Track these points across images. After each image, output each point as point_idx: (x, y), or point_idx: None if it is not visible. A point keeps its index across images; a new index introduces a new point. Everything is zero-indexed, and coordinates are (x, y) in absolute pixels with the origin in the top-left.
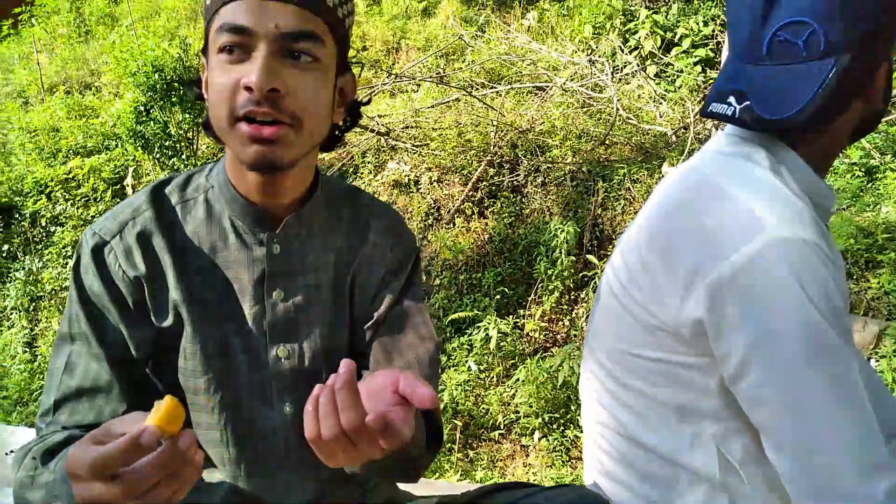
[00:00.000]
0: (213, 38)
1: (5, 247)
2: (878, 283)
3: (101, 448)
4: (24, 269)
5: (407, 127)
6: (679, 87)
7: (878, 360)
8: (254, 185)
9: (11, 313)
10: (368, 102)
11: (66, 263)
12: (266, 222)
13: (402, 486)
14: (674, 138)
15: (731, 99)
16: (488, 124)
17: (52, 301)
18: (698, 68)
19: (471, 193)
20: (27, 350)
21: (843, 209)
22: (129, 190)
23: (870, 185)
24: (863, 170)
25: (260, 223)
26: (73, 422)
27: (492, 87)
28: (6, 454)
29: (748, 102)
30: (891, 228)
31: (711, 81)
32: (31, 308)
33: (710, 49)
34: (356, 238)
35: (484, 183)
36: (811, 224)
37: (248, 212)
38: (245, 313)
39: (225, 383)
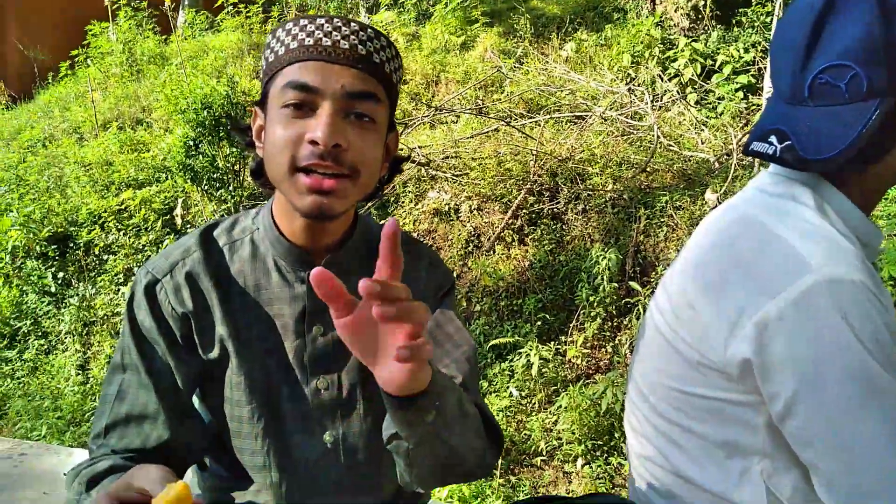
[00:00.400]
0: (277, 94)
1: (61, 274)
2: None
3: None
4: (77, 295)
5: (447, 157)
6: (721, 114)
7: None
8: (299, 230)
9: (66, 337)
10: (408, 159)
11: (118, 290)
12: (307, 261)
13: None
14: (717, 165)
15: (773, 138)
16: (528, 153)
17: (104, 326)
18: (740, 94)
19: (511, 221)
20: (80, 373)
21: (894, 235)
22: (178, 220)
23: None
24: None
25: (301, 262)
26: (122, 445)
27: (531, 118)
28: (63, 475)
29: (789, 142)
30: None
31: (754, 107)
32: (85, 332)
33: (752, 75)
34: None
35: (524, 210)
36: (858, 264)
37: (290, 252)
38: (287, 347)
39: (267, 413)
